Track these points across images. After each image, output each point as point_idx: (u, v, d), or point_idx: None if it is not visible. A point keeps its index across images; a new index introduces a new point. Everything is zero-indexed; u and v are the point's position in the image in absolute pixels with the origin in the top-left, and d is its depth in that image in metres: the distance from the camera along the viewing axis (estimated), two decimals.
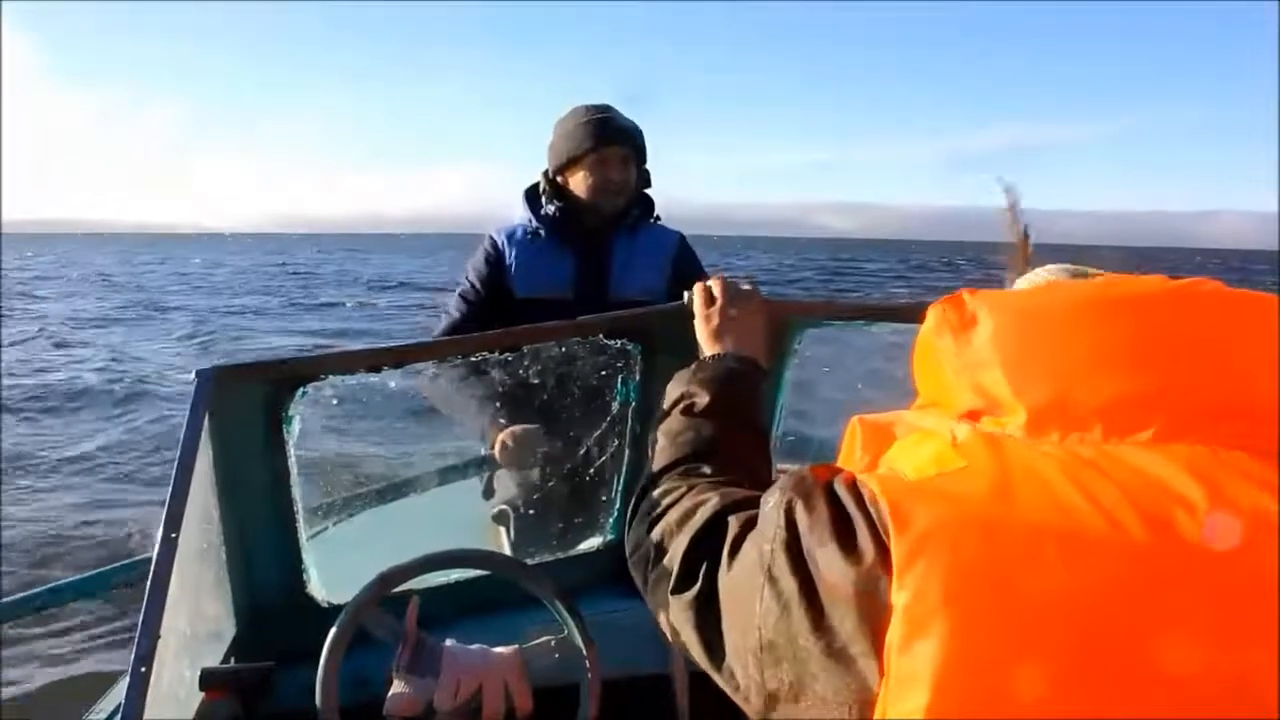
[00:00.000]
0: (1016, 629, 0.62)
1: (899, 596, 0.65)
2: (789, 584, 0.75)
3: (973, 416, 0.79)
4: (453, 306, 2.86)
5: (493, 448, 2.59)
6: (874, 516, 0.72)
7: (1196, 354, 0.73)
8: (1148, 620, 0.61)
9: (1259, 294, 0.77)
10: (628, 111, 2.87)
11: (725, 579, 0.87)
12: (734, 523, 0.90)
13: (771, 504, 0.81)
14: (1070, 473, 0.68)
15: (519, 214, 2.88)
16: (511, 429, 2.56)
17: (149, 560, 1.51)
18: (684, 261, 2.91)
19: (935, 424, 0.81)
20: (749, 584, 0.79)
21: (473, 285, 2.83)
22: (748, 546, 0.84)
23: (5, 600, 2.36)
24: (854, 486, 0.77)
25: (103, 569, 2.80)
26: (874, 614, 0.68)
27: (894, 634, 0.64)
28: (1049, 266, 0.97)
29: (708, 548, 0.92)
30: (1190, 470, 0.66)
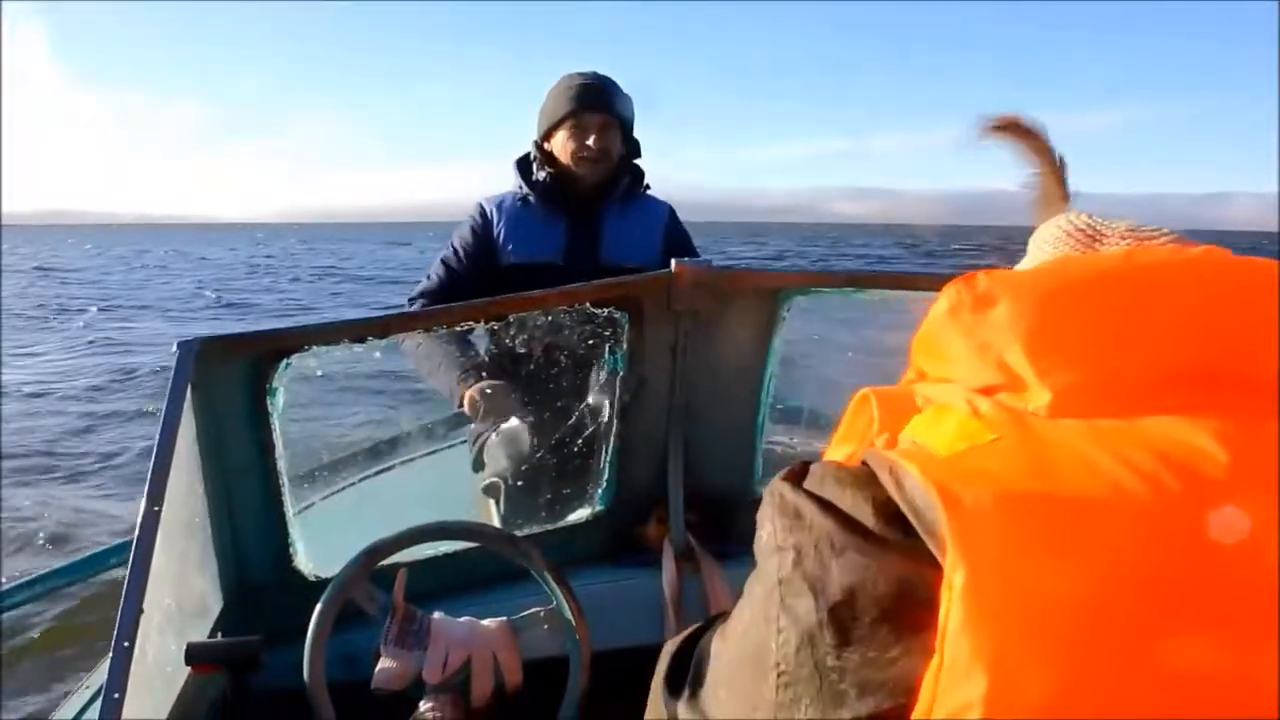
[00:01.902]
0: (1075, 610, 0.60)
1: (954, 577, 0.61)
2: (806, 605, 0.70)
3: (987, 392, 0.76)
4: (433, 272, 2.88)
5: (462, 405, 2.60)
6: (892, 502, 0.69)
7: (1217, 326, 0.72)
8: (1173, 607, 0.60)
9: (1266, 261, 0.76)
10: (637, 105, 2.89)
11: (719, 649, 0.83)
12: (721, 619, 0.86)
13: (764, 542, 0.77)
14: (1102, 443, 0.66)
15: (512, 180, 2.91)
16: (480, 384, 2.55)
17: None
18: (674, 232, 2.94)
19: (950, 397, 0.78)
20: (759, 632, 0.75)
21: (456, 253, 2.86)
22: (741, 607, 0.80)
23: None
24: (850, 473, 0.74)
25: (96, 550, 2.76)
26: (909, 612, 0.66)
27: (949, 619, 0.61)
28: (1057, 221, 0.93)
29: (691, 645, 0.90)
30: (1218, 436, 0.66)
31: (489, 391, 2.55)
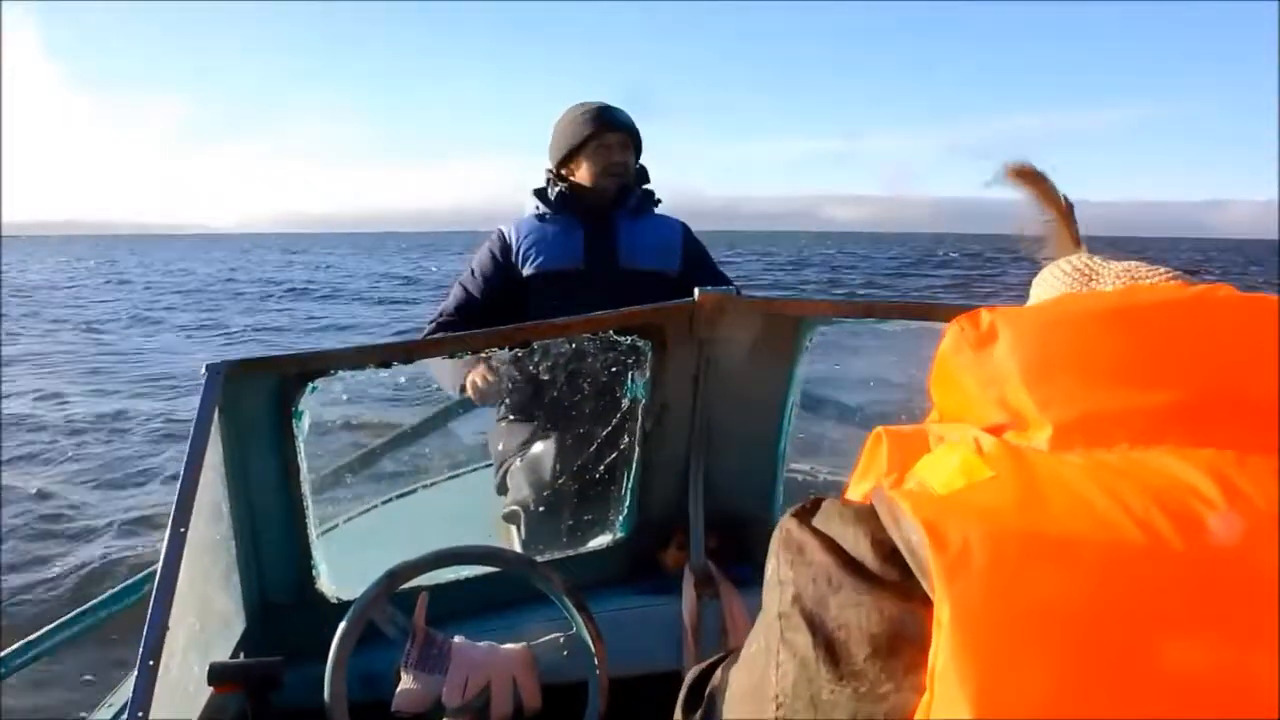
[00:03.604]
0: (1063, 650, 0.60)
1: (941, 613, 0.62)
2: (804, 640, 0.71)
3: (996, 431, 0.77)
4: (451, 295, 2.96)
5: (463, 391, 2.68)
6: (891, 541, 0.70)
7: (1217, 361, 0.73)
8: (1178, 626, 0.60)
9: (1271, 297, 0.77)
10: (630, 110, 3.04)
11: (732, 676, 0.86)
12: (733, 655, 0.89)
13: (769, 576, 0.79)
14: (1098, 480, 0.67)
15: (529, 207, 3.02)
16: (481, 367, 2.63)
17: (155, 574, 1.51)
18: (692, 248, 3.05)
19: (960, 435, 0.79)
20: (761, 663, 0.76)
21: (474, 274, 2.95)
22: (753, 637, 0.81)
23: (23, 644, 2.33)
24: (854, 511, 0.75)
25: (116, 589, 2.71)
26: (902, 650, 0.66)
27: (937, 657, 0.62)
28: (1058, 263, 0.96)
29: (711, 673, 0.94)
30: (1212, 472, 0.66)
31: (490, 377, 2.64)
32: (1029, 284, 1.00)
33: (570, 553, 2.27)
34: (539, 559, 1.97)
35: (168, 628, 1.41)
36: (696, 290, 2.03)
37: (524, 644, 1.76)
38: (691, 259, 3.01)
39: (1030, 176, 1.04)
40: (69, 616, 2.38)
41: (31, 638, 2.26)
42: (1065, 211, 1.03)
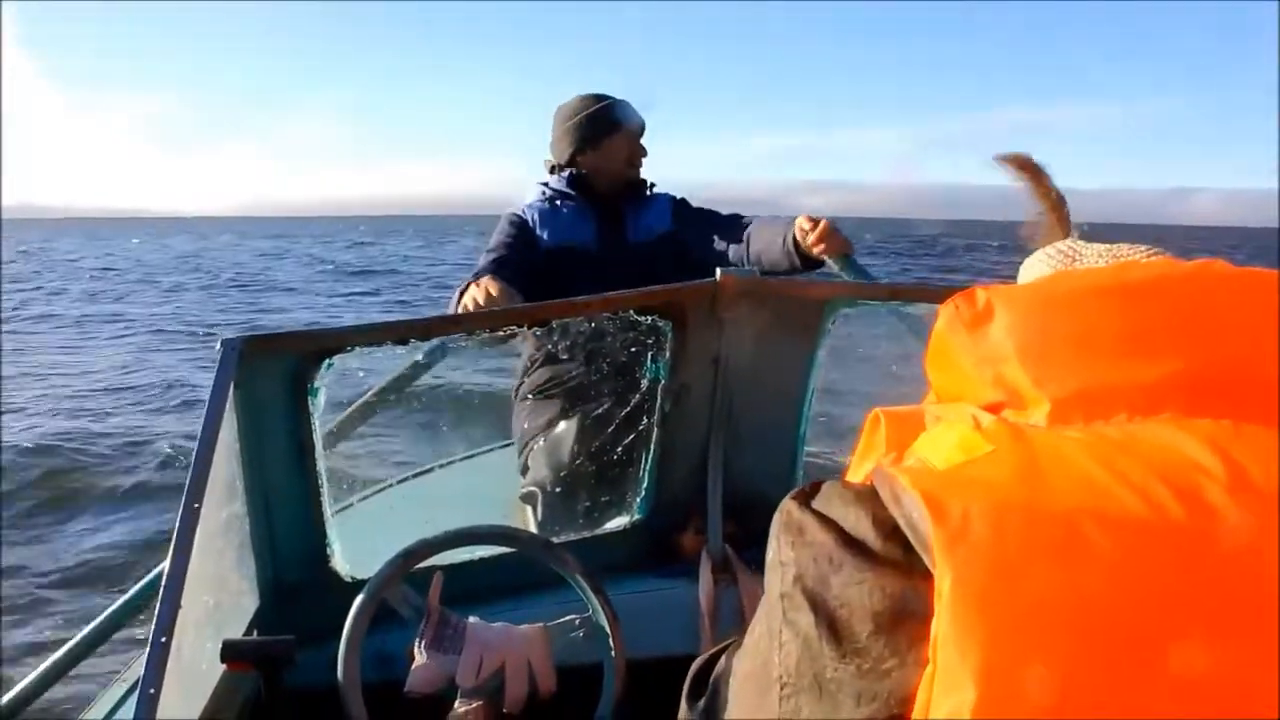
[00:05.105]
0: (1065, 616, 0.60)
1: (943, 585, 0.62)
2: (806, 619, 0.72)
3: (994, 409, 0.78)
4: (484, 258, 2.88)
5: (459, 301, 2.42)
6: (892, 518, 0.70)
7: (1214, 333, 0.73)
8: (1178, 594, 0.60)
9: (1266, 271, 0.78)
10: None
11: (735, 661, 0.86)
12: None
13: (770, 558, 0.80)
14: (1097, 453, 0.67)
15: (534, 193, 3.07)
16: (487, 282, 2.37)
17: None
18: (681, 206, 3.14)
19: (958, 414, 0.79)
20: (765, 645, 0.77)
21: (502, 241, 2.92)
22: (755, 622, 0.83)
23: (49, 663, 2.35)
24: (854, 492, 0.75)
25: (134, 589, 2.66)
26: (905, 626, 0.67)
27: (939, 627, 0.62)
28: (1046, 249, 0.98)
29: (715, 662, 0.95)
30: (1211, 444, 0.66)
31: (494, 292, 2.32)
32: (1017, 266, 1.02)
33: (587, 534, 2.26)
34: (555, 540, 1.95)
35: (180, 605, 1.40)
36: (718, 271, 2.00)
37: (539, 625, 1.75)
38: (681, 216, 3.08)
39: (1026, 166, 1.07)
40: (87, 631, 2.39)
41: (47, 664, 2.28)
42: (1056, 203, 1.05)
